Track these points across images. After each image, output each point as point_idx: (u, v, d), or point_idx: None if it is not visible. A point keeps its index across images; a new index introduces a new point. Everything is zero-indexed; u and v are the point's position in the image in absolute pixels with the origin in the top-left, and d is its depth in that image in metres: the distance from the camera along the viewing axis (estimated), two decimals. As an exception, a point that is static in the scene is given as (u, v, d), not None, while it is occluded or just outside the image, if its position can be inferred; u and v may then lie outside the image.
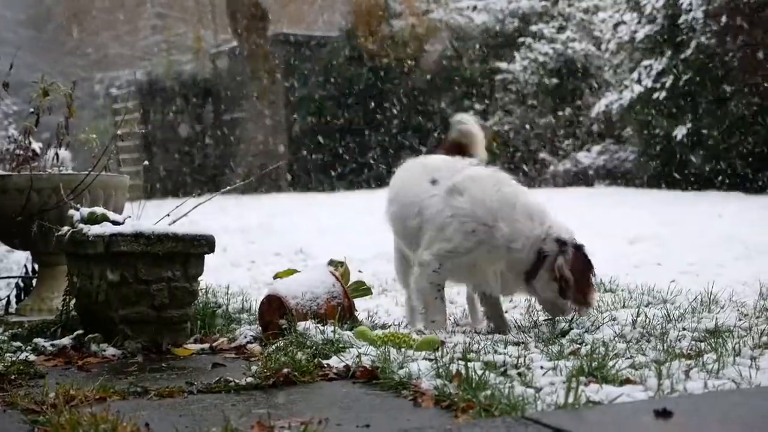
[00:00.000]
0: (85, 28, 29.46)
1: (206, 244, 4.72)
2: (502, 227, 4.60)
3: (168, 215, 5.14)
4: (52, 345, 4.50)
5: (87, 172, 5.51)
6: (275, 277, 5.06)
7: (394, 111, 21.08)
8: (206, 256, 4.83)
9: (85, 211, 4.83)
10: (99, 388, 3.48)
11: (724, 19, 14.33)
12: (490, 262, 4.67)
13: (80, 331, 4.59)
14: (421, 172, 4.98)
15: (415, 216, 4.85)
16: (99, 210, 4.82)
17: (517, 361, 3.73)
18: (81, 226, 4.71)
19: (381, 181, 20.83)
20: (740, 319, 4.53)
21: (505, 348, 4.06)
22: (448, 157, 5.12)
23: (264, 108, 21.62)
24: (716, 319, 4.40)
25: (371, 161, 21.12)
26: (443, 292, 4.85)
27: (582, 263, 4.64)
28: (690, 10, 15.02)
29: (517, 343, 4.19)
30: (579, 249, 4.67)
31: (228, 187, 5.90)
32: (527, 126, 18.91)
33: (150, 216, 5.27)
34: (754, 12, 13.92)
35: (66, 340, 4.54)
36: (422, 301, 4.82)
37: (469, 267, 4.74)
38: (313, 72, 21.53)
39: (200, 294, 5.20)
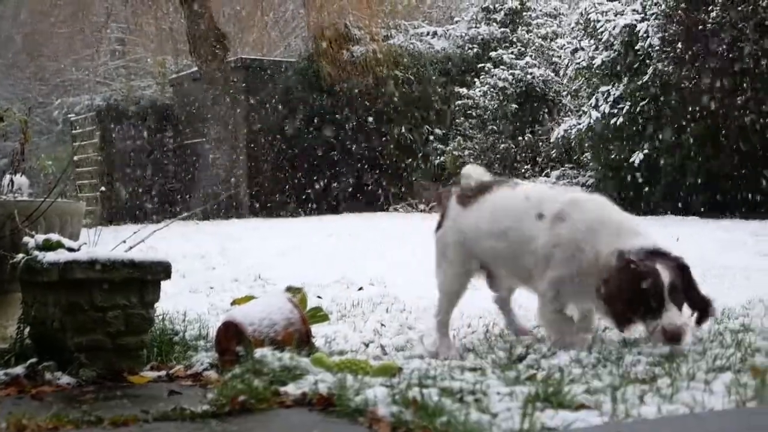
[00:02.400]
0: (44, 53, 29.31)
1: (162, 270, 4.69)
2: (589, 251, 4.62)
3: (125, 242, 5.11)
4: (5, 374, 4.44)
5: (42, 199, 5.47)
6: (233, 303, 5.05)
7: (355, 136, 21.11)
8: (164, 282, 4.80)
9: (41, 238, 4.79)
10: (52, 418, 3.45)
11: (680, 45, 14.50)
12: (591, 278, 4.63)
13: (34, 360, 4.54)
14: (527, 207, 4.93)
15: (530, 253, 4.84)
16: (54, 237, 4.78)
17: (474, 387, 3.73)
18: (36, 253, 4.67)
19: (341, 206, 20.87)
20: (695, 343, 4.56)
21: (462, 374, 4.06)
22: (541, 185, 5.26)
23: (224, 133, 21.57)
24: (672, 343, 4.42)
25: (332, 186, 21.13)
26: (566, 313, 4.88)
27: (627, 278, 4.41)
28: (647, 37, 15.19)
29: (474, 369, 4.19)
30: (628, 263, 4.44)
31: (186, 213, 5.87)
32: (487, 151, 19.00)
33: (107, 242, 5.23)
34: (710, 39, 14.09)
35: (19, 369, 4.47)
36: (553, 331, 4.83)
37: (582, 292, 4.72)
38: (273, 97, 21.53)
39: (157, 321, 5.16)
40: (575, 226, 4.71)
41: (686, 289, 4.48)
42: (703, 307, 4.54)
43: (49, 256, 4.56)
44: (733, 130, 14.05)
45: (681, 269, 4.51)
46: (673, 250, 4.62)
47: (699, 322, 4.54)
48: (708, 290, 7.06)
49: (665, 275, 4.38)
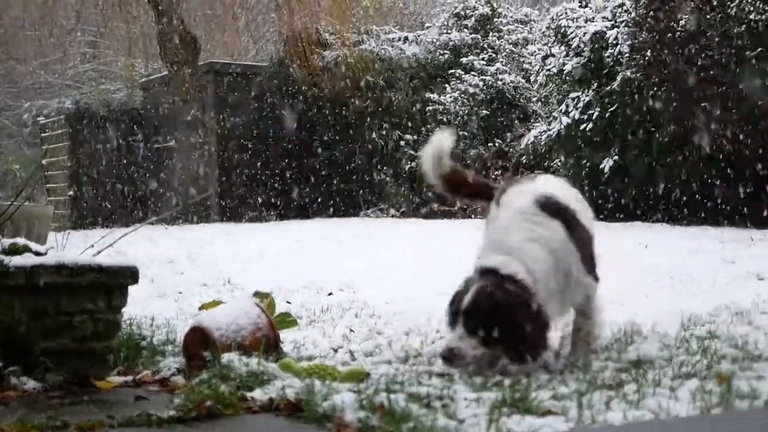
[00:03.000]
0: (12, 56, 29.11)
1: (130, 275, 4.67)
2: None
3: (92, 246, 5.09)
4: (-30, 379, 4.41)
5: (10, 203, 5.43)
6: (201, 308, 5.03)
7: (326, 141, 21.11)
8: (132, 287, 4.77)
9: (7, 242, 4.75)
10: (17, 423, 3.42)
11: (649, 53, 14.59)
12: None
13: (0, 364, 4.51)
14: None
15: None
16: (21, 241, 4.75)
17: (441, 392, 3.74)
18: (2, 257, 4.63)
19: (311, 211, 20.84)
20: (662, 350, 4.59)
21: (429, 379, 4.08)
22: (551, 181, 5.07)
23: (194, 137, 21.50)
24: (639, 350, 4.46)
25: (302, 191, 21.11)
26: None
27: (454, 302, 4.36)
28: (616, 44, 15.28)
29: (441, 375, 4.21)
30: (486, 285, 4.24)
31: (155, 218, 5.84)
32: (458, 157, 19.04)
33: (76, 246, 5.22)
34: (678, 46, 14.19)
35: (-16, 374, 4.45)
36: None
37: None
38: (244, 101, 21.48)
39: (124, 326, 5.14)
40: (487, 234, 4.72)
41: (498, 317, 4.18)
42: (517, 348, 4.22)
43: (16, 260, 4.52)
44: (700, 138, 14.15)
45: (521, 300, 4.21)
46: (523, 275, 4.30)
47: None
48: (673, 296, 7.16)
49: (467, 297, 4.23)
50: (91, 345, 4.56)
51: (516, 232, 4.40)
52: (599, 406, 3.35)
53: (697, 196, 14.38)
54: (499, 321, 4.18)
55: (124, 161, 22.76)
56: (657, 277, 8.56)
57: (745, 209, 13.63)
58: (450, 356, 4.18)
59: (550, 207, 4.52)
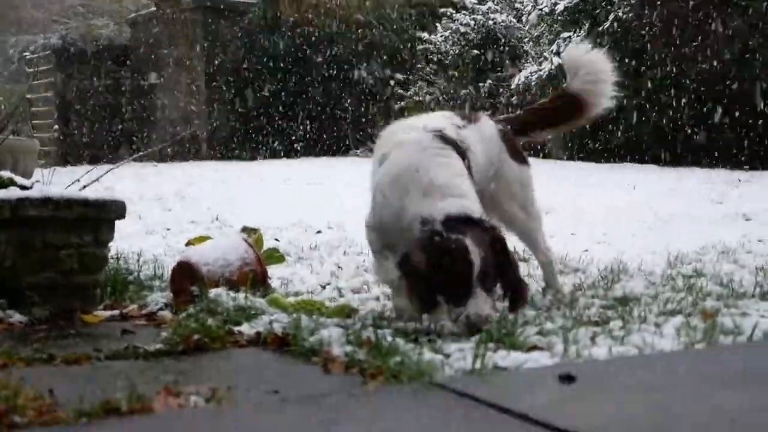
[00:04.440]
0: (-1, -10, 28.76)
1: (117, 209, 4.65)
2: (393, 200, 4.02)
3: (79, 180, 5.06)
4: (-43, 312, 4.41)
5: (-6, 136, 5.40)
6: (188, 243, 5.03)
7: (315, 80, 20.97)
8: (120, 223, 4.77)
9: (-8, 175, 4.73)
10: (2, 355, 3.42)
11: (641, -7, 14.51)
12: (398, 241, 4.01)
13: (-15, 298, 4.51)
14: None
15: None
16: (6, 174, 4.73)
17: (428, 328, 3.75)
18: (-13, 190, 4.61)
19: (300, 150, 20.76)
20: (647, 288, 4.61)
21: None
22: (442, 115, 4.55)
23: (183, 75, 21.34)
24: (624, 287, 4.47)
25: (292, 130, 21.01)
26: (382, 260, 4.24)
27: (430, 255, 3.73)
28: (609, -16, 15.19)
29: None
30: (432, 235, 3.76)
31: (141, 153, 5.79)
32: (448, 96, 18.95)
33: (62, 182, 5.19)
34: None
35: (-30, 307, 4.45)
36: (388, 287, 4.36)
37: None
38: (233, 39, 21.29)
39: (111, 261, 5.14)
40: (385, 172, 4.14)
41: (500, 267, 3.82)
42: (516, 290, 3.93)
43: (1, 193, 4.50)
44: (690, 79, 14.11)
45: (495, 243, 3.84)
46: (488, 218, 4.01)
47: (512, 309, 3.90)
48: (660, 236, 7.18)
49: (476, 253, 3.70)
50: (77, 279, 4.56)
51: (438, 169, 3.97)
52: (585, 342, 3.36)
53: (686, 137, 14.39)
54: (504, 270, 3.86)
55: (112, 98, 22.60)
56: (644, 217, 8.59)
57: (734, 150, 13.65)
58: (484, 324, 3.60)
59: (448, 140, 4.17)
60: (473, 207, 3.89)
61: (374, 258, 4.34)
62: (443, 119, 4.38)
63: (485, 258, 3.71)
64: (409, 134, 4.20)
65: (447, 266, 3.69)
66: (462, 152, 4.15)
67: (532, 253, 4.90)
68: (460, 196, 3.89)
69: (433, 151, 4.04)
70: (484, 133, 4.48)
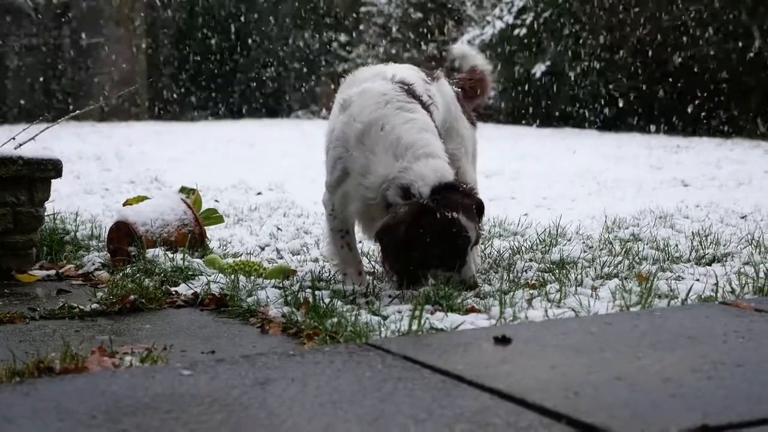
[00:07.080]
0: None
1: (53, 168, 4.58)
2: (357, 156, 3.79)
3: (14, 138, 4.96)
4: None
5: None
6: (125, 203, 4.97)
7: (258, 41, 20.80)
8: (58, 182, 4.70)
9: (-76, 132, 4.63)
10: (-66, 314, 3.37)
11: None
12: (359, 202, 3.83)
13: None
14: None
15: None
16: (-61, 131, 4.63)
17: (366, 290, 3.76)
18: None
19: (242, 112, 20.63)
20: (585, 251, 4.65)
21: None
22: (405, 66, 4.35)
23: (122, 33, 21.02)
24: (562, 251, 4.51)
25: (234, 91, 20.85)
26: (348, 239, 4.05)
27: (426, 231, 3.57)
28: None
29: (369, 273, 4.22)
30: (423, 210, 3.58)
31: (76, 111, 5.70)
32: (391, 59, 18.91)
33: (-1, 140, 5.09)
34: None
35: None
36: (330, 255, 4.21)
37: (357, 212, 3.87)
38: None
39: (48, 220, 5.07)
40: (346, 122, 3.87)
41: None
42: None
43: (-67, 151, 4.42)
44: (630, 45, 14.21)
45: (479, 209, 3.82)
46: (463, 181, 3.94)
47: None
48: (599, 200, 7.25)
49: (471, 228, 3.65)
50: (12, 239, 4.50)
51: (405, 126, 3.79)
52: (521, 305, 3.39)
53: (627, 103, 14.51)
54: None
55: (51, 56, 22.20)
56: (584, 181, 8.67)
57: (674, 117, 13.81)
58: (476, 283, 3.68)
59: (414, 94, 4.00)
60: (446, 167, 3.76)
61: (330, 236, 4.09)
62: (412, 72, 4.29)
63: (476, 228, 3.70)
64: (374, 82, 3.97)
65: (443, 243, 3.61)
66: (427, 107, 4.04)
67: None
68: (431, 155, 3.73)
69: (397, 104, 3.83)
70: (444, 92, 4.47)
